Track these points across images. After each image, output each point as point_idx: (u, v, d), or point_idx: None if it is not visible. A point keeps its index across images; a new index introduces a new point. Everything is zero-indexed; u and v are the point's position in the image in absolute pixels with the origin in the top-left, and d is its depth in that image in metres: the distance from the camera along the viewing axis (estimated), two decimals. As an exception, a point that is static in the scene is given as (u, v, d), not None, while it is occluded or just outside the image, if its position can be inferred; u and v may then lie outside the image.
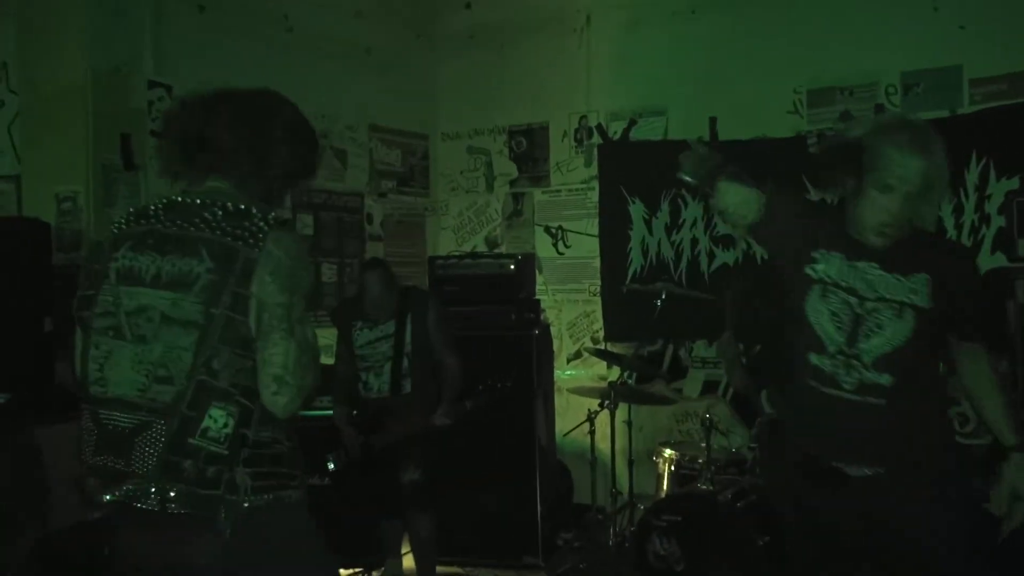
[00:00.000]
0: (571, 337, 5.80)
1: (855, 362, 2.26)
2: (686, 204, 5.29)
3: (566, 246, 5.83)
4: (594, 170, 5.67)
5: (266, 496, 1.97)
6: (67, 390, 3.58)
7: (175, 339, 1.90)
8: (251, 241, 1.91)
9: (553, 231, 5.85)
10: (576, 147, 5.81)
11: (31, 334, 3.52)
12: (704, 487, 3.99)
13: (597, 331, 5.67)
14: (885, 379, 2.24)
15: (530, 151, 5.96)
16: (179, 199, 2.01)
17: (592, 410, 4.56)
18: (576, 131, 5.80)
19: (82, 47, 4.09)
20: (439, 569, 4.33)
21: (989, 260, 4.45)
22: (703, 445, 4.11)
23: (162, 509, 1.90)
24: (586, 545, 4.76)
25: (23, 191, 4.27)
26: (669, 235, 5.35)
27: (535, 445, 4.82)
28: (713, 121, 5.25)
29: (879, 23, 4.80)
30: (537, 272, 5.57)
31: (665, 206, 5.35)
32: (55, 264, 3.75)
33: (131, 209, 2.10)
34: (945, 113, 4.66)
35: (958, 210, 4.58)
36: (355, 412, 4.15)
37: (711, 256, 5.23)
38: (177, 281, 1.92)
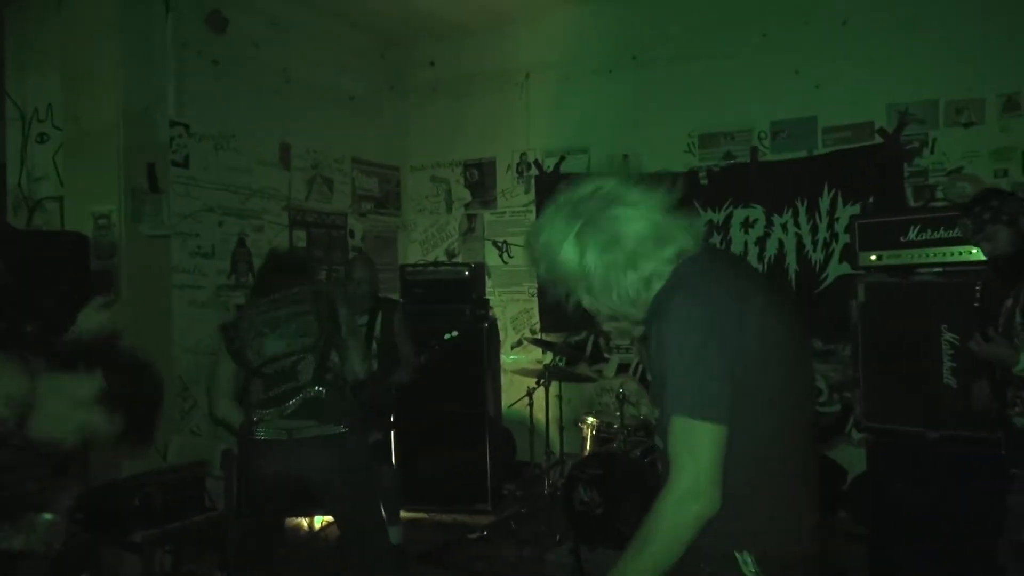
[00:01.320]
0: (514, 329, 5.76)
1: None
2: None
3: (510, 256, 5.75)
4: (532, 196, 5.64)
5: (355, 431, 2.79)
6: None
7: (302, 320, 2.76)
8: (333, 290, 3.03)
9: (499, 245, 5.77)
10: (518, 178, 5.76)
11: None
12: (618, 447, 4.01)
13: (534, 324, 5.64)
14: None
15: (481, 180, 5.93)
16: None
17: (530, 387, 4.57)
18: (518, 165, 5.76)
19: (116, 91, 4.03)
20: (407, 515, 4.31)
21: (837, 268, 4.58)
22: (618, 414, 4.10)
23: (290, 437, 2.69)
24: (526, 494, 4.79)
25: (64, 210, 4.14)
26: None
27: (485, 415, 4.83)
28: (626, 157, 5.20)
29: (754, 83, 4.86)
30: (487, 277, 5.56)
31: (588, 225, 5.34)
32: (92, 269, 3.69)
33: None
34: (803, 154, 4.74)
35: (814, 229, 4.69)
36: None
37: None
38: (292, 301, 2.84)
